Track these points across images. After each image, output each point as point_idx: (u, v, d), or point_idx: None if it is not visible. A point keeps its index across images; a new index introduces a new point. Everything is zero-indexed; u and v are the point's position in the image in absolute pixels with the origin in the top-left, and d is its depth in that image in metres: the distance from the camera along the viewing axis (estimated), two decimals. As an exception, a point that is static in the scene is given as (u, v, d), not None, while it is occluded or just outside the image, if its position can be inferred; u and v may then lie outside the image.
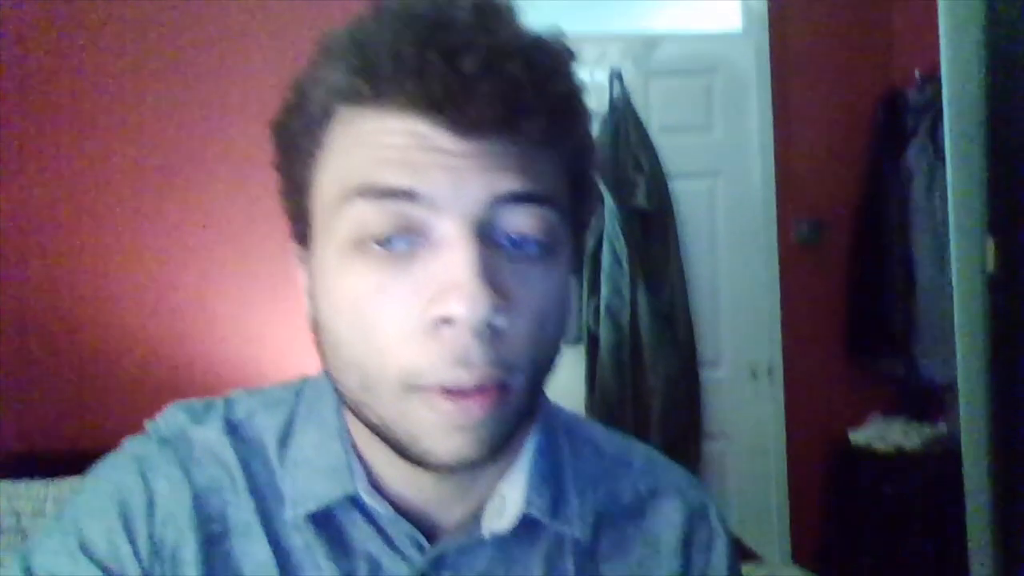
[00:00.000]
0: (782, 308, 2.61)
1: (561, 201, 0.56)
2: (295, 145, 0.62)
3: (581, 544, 0.63)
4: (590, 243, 2.60)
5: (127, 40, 2.57)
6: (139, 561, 0.58)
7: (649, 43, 2.70)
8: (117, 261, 2.55)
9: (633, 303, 2.54)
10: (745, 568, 2.26)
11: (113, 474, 0.63)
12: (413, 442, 0.53)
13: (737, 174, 2.64)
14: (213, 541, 0.60)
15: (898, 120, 2.51)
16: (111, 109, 2.56)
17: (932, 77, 2.33)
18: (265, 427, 0.66)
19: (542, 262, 0.55)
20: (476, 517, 0.61)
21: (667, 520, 0.66)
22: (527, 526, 0.61)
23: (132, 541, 0.58)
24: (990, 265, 1.87)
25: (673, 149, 2.68)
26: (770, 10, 2.64)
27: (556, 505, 0.63)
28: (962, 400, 1.93)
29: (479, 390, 0.52)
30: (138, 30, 2.57)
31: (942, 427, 2.41)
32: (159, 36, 2.58)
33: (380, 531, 0.60)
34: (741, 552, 2.34)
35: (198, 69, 2.57)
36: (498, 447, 0.54)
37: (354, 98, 0.58)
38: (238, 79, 2.56)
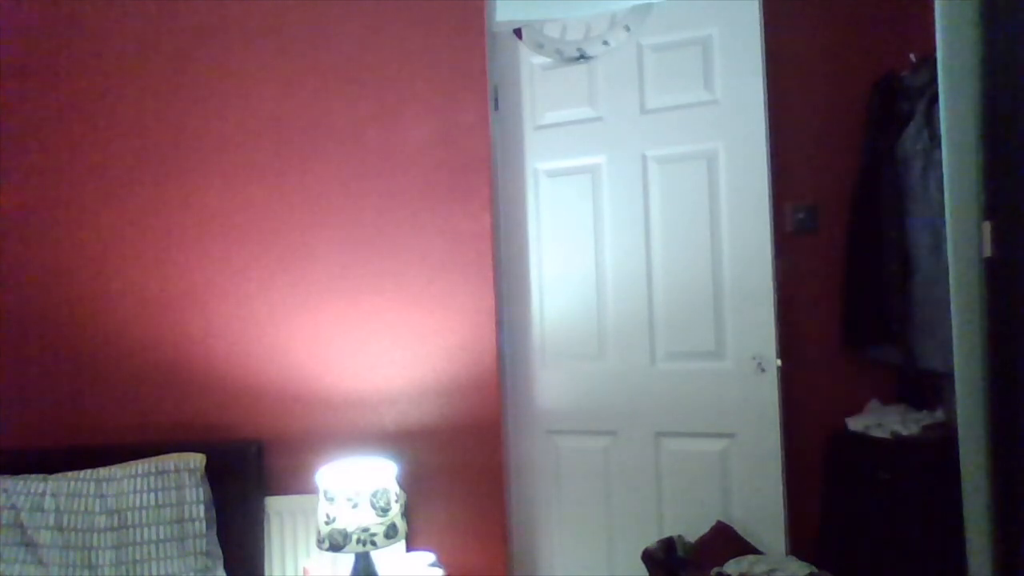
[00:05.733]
0: (780, 297, 2.60)
1: None
2: None
3: None
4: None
5: (127, 40, 2.58)
6: None
7: (642, 11, 2.65)
8: (116, 260, 2.56)
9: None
10: (746, 562, 2.28)
11: None
12: None
13: (735, 155, 2.59)
14: None
15: (894, 103, 2.49)
16: (111, 109, 2.57)
17: (928, 60, 2.31)
18: None
19: None
20: None
21: None
22: None
23: None
24: (987, 250, 1.85)
25: (669, 125, 2.63)
26: (764, -7, 2.61)
27: None
28: (959, 386, 1.92)
29: None
30: (138, 30, 2.58)
31: (940, 414, 2.41)
32: (159, 37, 2.58)
33: None
34: (742, 547, 2.35)
35: (197, 70, 2.57)
36: None
37: None
38: (237, 79, 2.56)
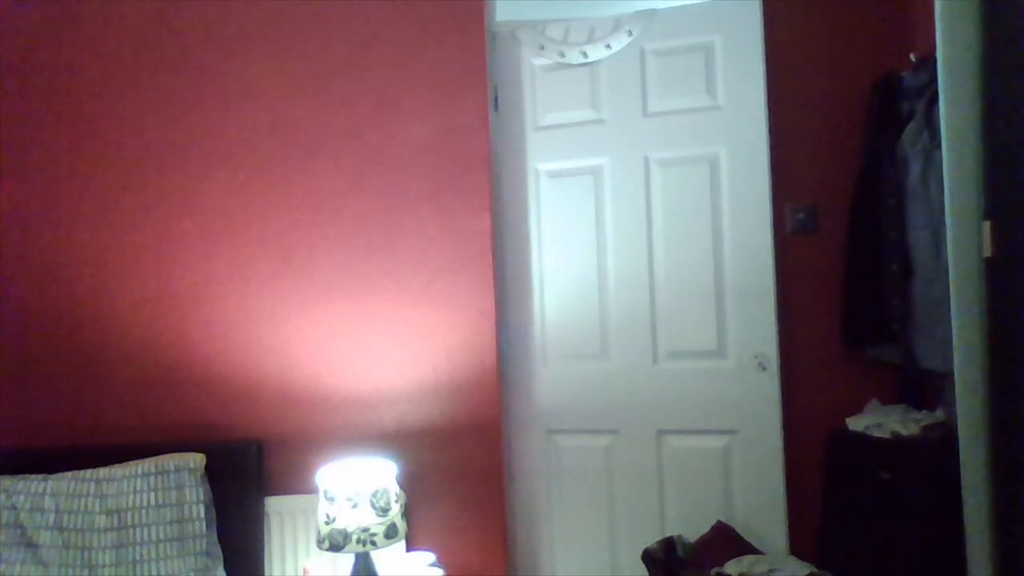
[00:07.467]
0: (780, 297, 2.60)
1: None
2: None
3: None
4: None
5: (127, 40, 2.58)
6: None
7: (645, 16, 2.66)
8: (116, 260, 2.56)
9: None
10: (746, 562, 2.28)
11: None
12: None
13: (737, 159, 2.59)
14: None
15: (894, 103, 2.48)
16: (111, 109, 2.57)
17: (928, 60, 2.31)
18: None
19: None
20: None
21: None
22: None
23: None
24: (987, 250, 1.85)
25: (671, 129, 2.64)
26: (765, -8, 2.61)
27: None
28: (959, 386, 1.92)
29: None
30: (138, 31, 2.58)
31: (939, 414, 2.40)
32: (159, 37, 2.59)
33: None
34: (742, 547, 2.35)
35: (198, 69, 2.57)
36: None
37: None
38: (238, 79, 2.56)
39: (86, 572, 2.19)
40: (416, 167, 2.54)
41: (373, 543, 2.06)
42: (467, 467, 2.50)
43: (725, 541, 2.40)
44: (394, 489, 2.15)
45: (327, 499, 2.10)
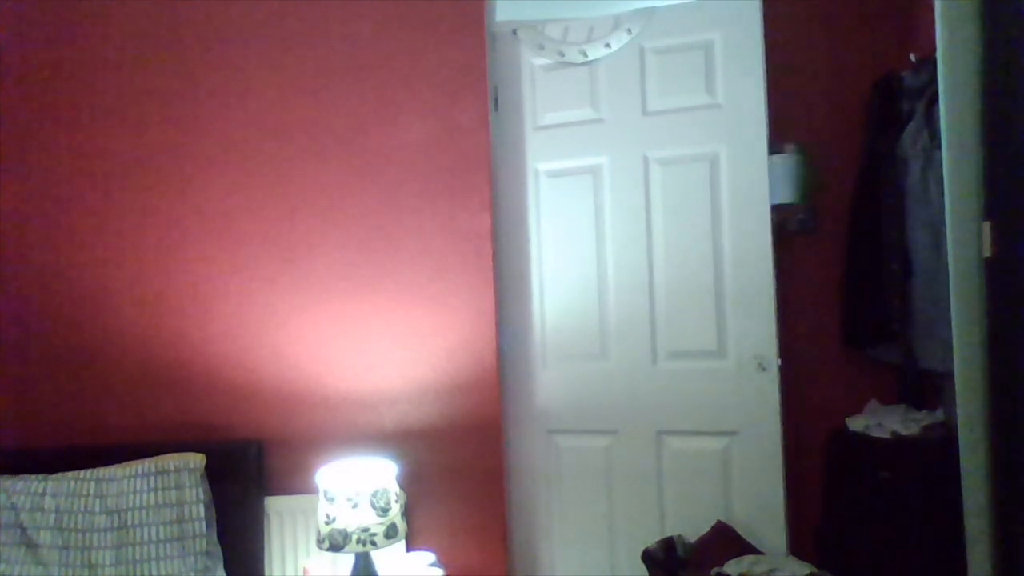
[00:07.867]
0: (780, 297, 2.60)
1: None
2: None
3: None
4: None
5: (127, 39, 2.59)
6: None
7: (645, 14, 2.66)
8: (116, 260, 2.56)
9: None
10: (746, 562, 2.28)
11: None
12: None
13: (736, 157, 2.60)
14: None
15: (894, 103, 2.49)
16: (111, 107, 2.57)
17: (928, 60, 2.31)
18: None
19: None
20: None
21: None
22: None
23: None
24: (987, 250, 1.85)
25: (670, 128, 2.64)
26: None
27: None
28: (959, 386, 1.92)
29: None
30: (138, 30, 2.58)
31: (939, 414, 2.40)
32: (159, 36, 2.59)
33: None
34: (742, 547, 2.35)
35: (198, 68, 2.57)
36: None
37: None
38: (238, 79, 2.56)
39: (86, 572, 2.19)
40: (416, 167, 2.54)
41: (373, 543, 2.06)
42: (467, 467, 2.50)
43: (725, 541, 2.40)
44: (394, 489, 2.15)
45: (327, 499, 2.10)
